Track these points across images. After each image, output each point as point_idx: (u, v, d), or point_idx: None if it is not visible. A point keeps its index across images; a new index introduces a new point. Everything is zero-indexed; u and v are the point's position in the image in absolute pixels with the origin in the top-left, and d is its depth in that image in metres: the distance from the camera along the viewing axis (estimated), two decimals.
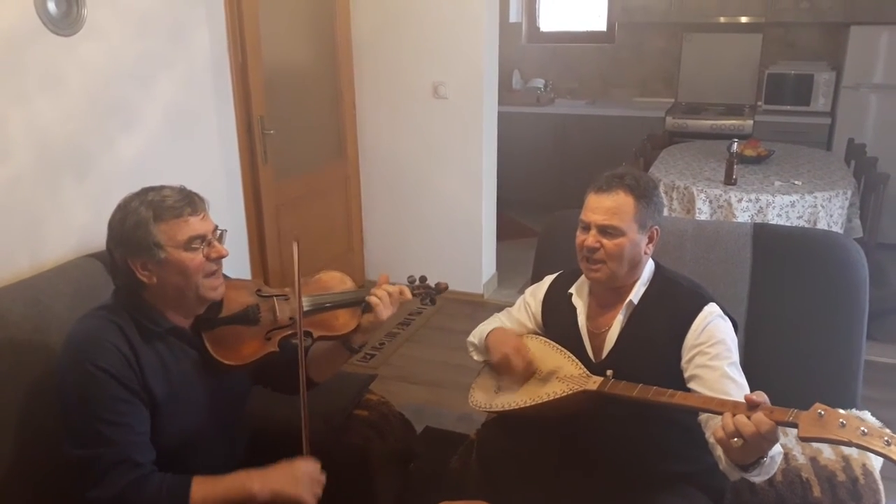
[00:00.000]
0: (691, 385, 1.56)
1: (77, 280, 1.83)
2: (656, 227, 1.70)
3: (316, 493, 1.48)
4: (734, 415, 1.30)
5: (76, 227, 2.15)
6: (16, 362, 1.62)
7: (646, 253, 1.70)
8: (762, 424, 1.26)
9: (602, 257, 1.65)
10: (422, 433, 2.77)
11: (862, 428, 1.19)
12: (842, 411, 1.24)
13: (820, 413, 1.23)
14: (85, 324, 1.48)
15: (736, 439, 1.29)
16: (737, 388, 1.51)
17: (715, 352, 1.56)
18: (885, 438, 1.18)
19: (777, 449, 1.41)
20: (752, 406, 1.30)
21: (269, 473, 1.49)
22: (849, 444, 1.19)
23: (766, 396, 1.32)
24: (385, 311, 1.66)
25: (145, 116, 2.40)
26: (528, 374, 1.74)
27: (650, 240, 1.69)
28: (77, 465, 1.41)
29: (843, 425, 1.20)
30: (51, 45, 2.04)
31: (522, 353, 1.75)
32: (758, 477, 1.41)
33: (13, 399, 1.60)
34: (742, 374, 1.57)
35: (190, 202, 1.49)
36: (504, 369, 1.78)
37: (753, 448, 1.31)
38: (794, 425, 1.25)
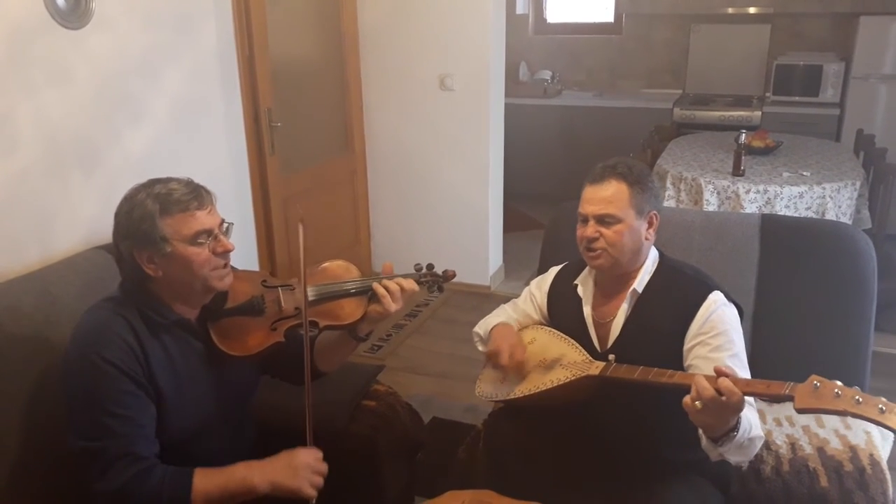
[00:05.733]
0: None
1: (86, 272, 1.84)
2: (655, 212, 1.70)
3: (315, 482, 1.48)
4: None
5: (85, 219, 2.16)
6: (26, 353, 1.63)
7: (647, 239, 1.70)
8: (731, 393, 1.28)
9: (602, 246, 1.65)
10: (429, 423, 2.78)
11: (857, 397, 1.19)
12: (838, 382, 1.23)
13: (815, 385, 1.24)
14: (92, 315, 1.49)
15: (697, 402, 1.31)
16: None
17: (716, 343, 1.56)
18: (880, 406, 1.18)
19: (756, 432, 1.43)
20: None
21: (269, 465, 1.48)
22: (844, 413, 1.19)
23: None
24: (393, 304, 1.64)
25: (153, 109, 2.41)
26: (520, 374, 1.76)
27: (650, 225, 1.69)
28: (81, 457, 1.41)
29: (837, 395, 1.21)
30: (59, 38, 2.05)
31: (515, 352, 1.75)
32: (729, 454, 1.42)
33: (23, 389, 1.61)
34: (745, 365, 1.57)
35: (197, 196, 1.48)
36: (493, 361, 1.79)
37: (714, 414, 1.32)
38: (791, 398, 1.26)
